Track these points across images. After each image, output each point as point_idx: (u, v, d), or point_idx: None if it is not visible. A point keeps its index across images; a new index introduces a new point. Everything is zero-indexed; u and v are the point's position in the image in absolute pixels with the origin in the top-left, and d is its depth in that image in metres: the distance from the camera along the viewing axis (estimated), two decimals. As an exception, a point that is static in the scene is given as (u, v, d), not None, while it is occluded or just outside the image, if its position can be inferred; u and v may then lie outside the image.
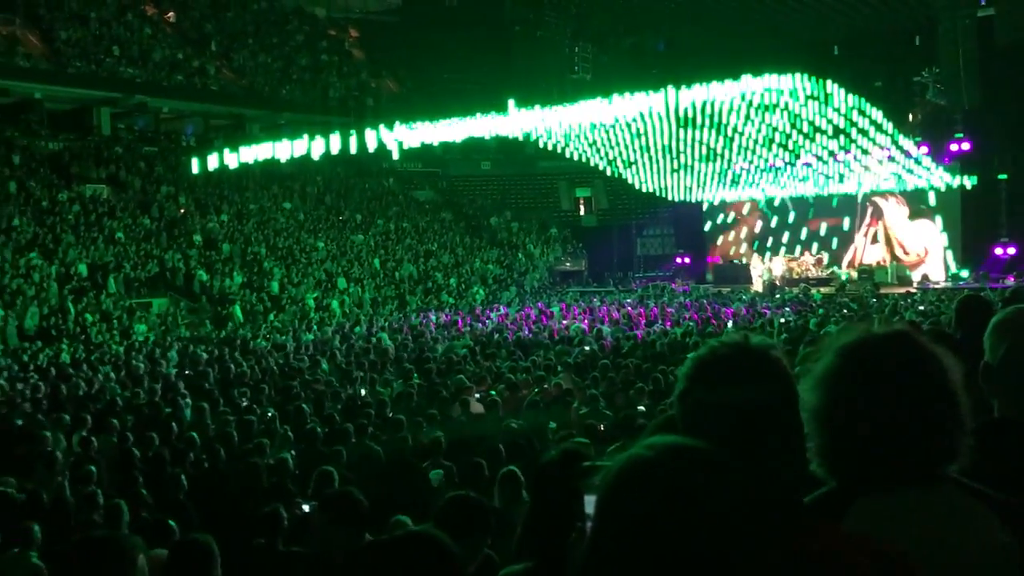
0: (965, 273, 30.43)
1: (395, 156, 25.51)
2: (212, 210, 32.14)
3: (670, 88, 21.57)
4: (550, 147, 29.34)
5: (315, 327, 23.69)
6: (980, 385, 2.09)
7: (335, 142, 24.54)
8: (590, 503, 1.49)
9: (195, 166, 25.53)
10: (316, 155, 24.97)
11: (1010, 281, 24.11)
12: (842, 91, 24.91)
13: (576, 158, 31.17)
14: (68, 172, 30.51)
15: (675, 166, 30.89)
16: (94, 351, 19.33)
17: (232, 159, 25.12)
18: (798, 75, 22.95)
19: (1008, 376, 2.06)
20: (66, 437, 9.43)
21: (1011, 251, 29.21)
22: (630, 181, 33.36)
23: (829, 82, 24.17)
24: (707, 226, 38.76)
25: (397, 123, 24.09)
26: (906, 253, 33.16)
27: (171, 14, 39.92)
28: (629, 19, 40.68)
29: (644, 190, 33.90)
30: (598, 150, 30.02)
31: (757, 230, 37.12)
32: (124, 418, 10.03)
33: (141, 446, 8.26)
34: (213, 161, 24.41)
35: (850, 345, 1.63)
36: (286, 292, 28.09)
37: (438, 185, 43.95)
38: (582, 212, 43.79)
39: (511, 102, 23.22)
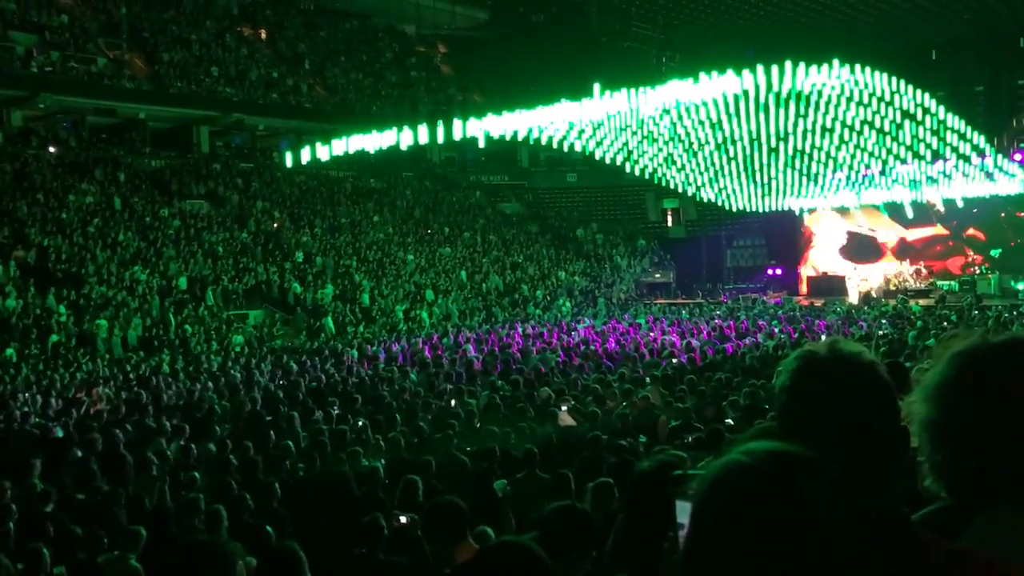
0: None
1: (481, 144, 25.46)
2: (306, 224, 32.98)
3: (759, 69, 21.27)
4: (630, 168, 29.21)
5: (404, 338, 24.01)
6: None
7: (423, 133, 24.71)
8: (681, 512, 1.46)
9: (288, 159, 26.15)
10: (404, 145, 25.10)
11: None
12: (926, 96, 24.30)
13: (659, 180, 31.05)
14: (169, 188, 31.75)
15: (761, 179, 30.32)
16: (192, 362, 19.99)
17: (324, 152, 25.49)
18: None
19: None
20: (167, 444, 9.76)
21: None
22: (716, 201, 33.02)
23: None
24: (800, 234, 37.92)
25: (488, 115, 24.22)
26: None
27: (265, 34, 41.23)
28: (717, 27, 40.21)
29: (732, 208, 33.40)
30: (681, 168, 29.96)
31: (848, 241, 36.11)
32: (222, 426, 10.32)
33: (238, 454, 8.48)
34: (305, 155, 24.90)
35: (965, 353, 1.53)
36: (376, 304, 28.58)
37: (524, 197, 44.17)
38: (670, 223, 43.34)
39: (596, 85, 23.08)
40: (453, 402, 12.03)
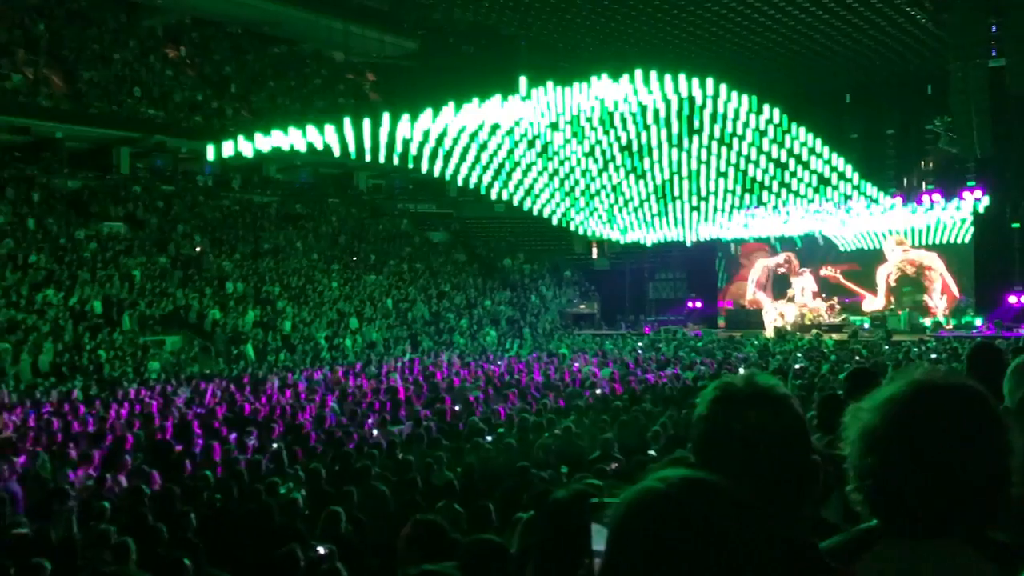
0: (978, 321, 30.27)
1: (414, 142, 25.37)
2: (227, 249, 32.39)
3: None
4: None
5: (327, 367, 23.71)
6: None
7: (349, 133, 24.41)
8: (597, 539, 1.50)
9: (210, 152, 25.50)
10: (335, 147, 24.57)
11: (1022, 331, 23.94)
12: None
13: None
14: (87, 210, 30.86)
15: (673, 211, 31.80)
16: (107, 388, 19.38)
17: (247, 147, 24.81)
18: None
19: None
20: (75, 474, 9.44)
21: (1024, 300, 29.08)
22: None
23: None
24: (719, 270, 38.89)
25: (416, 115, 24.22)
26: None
27: (191, 57, 40.57)
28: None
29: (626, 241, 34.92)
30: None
31: (768, 275, 37.16)
32: (135, 455, 10.04)
33: (151, 484, 8.26)
34: (228, 148, 24.27)
35: (910, 390, 1.58)
36: (298, 331, 28.18)
37: (452, 226, 44.20)
38: (595, 255, 43.86)
39: (523, 79, 23.40)
40: (376, 432, 11.94)
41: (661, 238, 35.06)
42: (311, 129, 23.26)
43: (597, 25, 32.46)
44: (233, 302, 28.58)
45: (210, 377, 21.37)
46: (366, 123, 23.96)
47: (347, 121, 23.81)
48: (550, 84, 23.12)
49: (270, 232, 35.26)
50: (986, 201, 29.04)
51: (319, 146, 23.85)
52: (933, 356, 19.56)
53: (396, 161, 26.24)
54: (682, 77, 23.47)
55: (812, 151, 28.29)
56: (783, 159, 28.15)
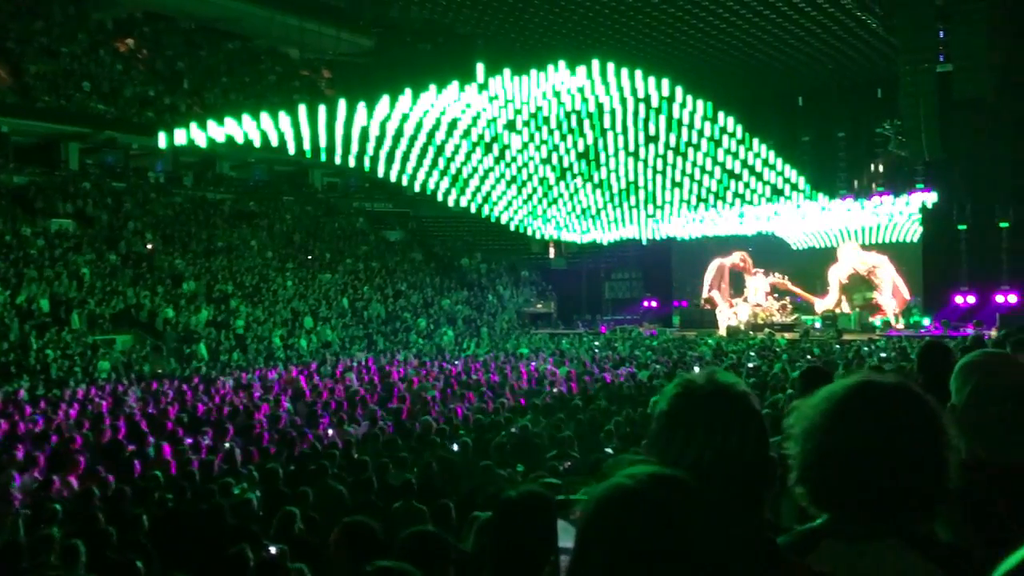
0: (926, 321, 30.92)
1: (370, 139, 25.13)
2: (179, 247, 31.90)
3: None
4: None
5: (281, 366, 23.48)
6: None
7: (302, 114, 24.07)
8: (563, 536, 1.50)
9: (162, 140, 25.00)
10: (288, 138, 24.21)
11: (969, 330, 24.49)
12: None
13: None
14: (33, 206, 30.17)
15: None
16: (54, 388, 18.98)
17: (200, 136, 24.28)
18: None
19: (973, 416, 2.13)
20: (25, 476, 9.23)
21: (971, 300, 29.72)
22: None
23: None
24: (675, 269, 39.29)
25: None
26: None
27: (144, 51, 39.86)
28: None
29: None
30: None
31: (725, 274, 37.59)
32: (85, 456, 9.84)
33: (102, 485, 8.10)
34: (180, 137, 23.78)
35: (850, 389, 1.65)
36: (252, 330, 27.85)
37: (408, 225, 44.01)
38: (552, 255, 43.99)
39: (480, 66, 23.37)
40: (331, 432, 11.85)
41: (618, 237, 35.36)
42: (266, 118, 22.89)
43: (554, 25, 32.54)
44: (185, 301, 28.16)
45: (162, 377, 21.05)
46: (321, 114, 23.69)
47: (303, 111, 23.45)
48: (507, 72, 23.10)
49: (223, 230, 34.80)
50: (934, 197, 29.78)
51: (274, 138, 23.51)
52: (883, 355, 19.91)
53: (352, 163, 26.05)
54: (639, 74, 23.62)
55: (766, 163, 28.78)
56: (737, 169, 28.61)
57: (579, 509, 1.26)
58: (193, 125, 23.20)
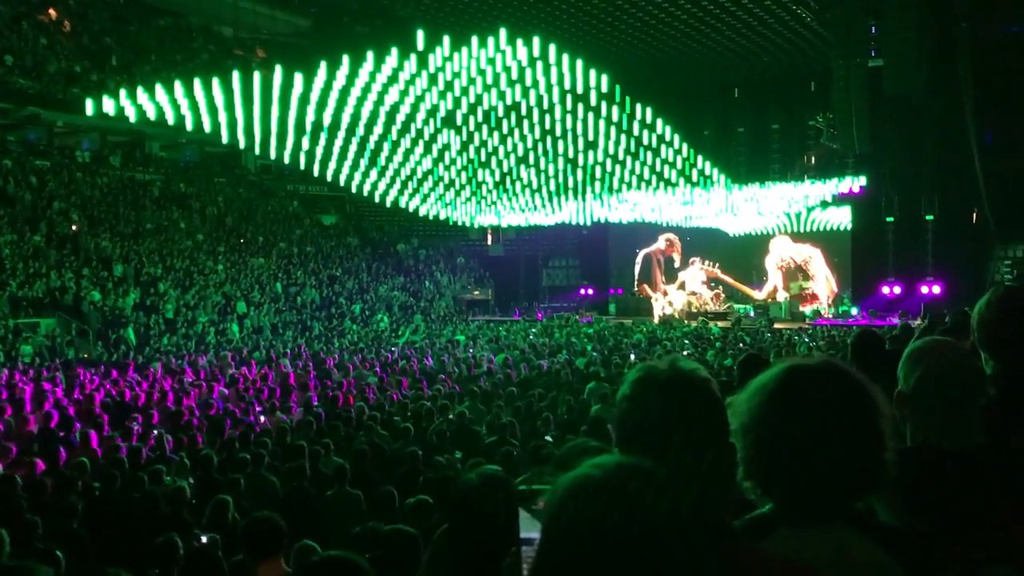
0: (854, 310, 31.76)
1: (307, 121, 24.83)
2: (106, 228, 31.01)
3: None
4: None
5: (212, 351, 23.03)
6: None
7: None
8: (524, 527, 1.47)
9: (89, 107, 24.32)
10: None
11: (895, 320, 25.19)
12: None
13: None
14: (-49, 184, 29.06)
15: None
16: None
17: (130, 108, 23.56)
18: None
19: (921, 401, 2.17)
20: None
21: (896, 290, 30.60)
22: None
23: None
24: (612, 256, 39.59)
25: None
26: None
27: (68, 25, 38.53)
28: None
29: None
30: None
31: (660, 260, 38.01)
32: (7, 444, 9.50)
33: (35, 472, 7.83)
34: (109, 106, 23.13)
35: (778, 377, 1.68)
36: (182, 315, 27.26)
37: (344, 209, 43.49)
38: (489, 241, 43.97)
39: (420, 33, 23.28)
40: (264, 418, 11.67)
41: (556, 220, 35.45)
42: (199, 92, 22.39)
43: (494, 10, 32.39)
44: (112, 284, 27.41)
45: (88, 362, 20.47)
46: (256, 89, 23.27)
47: (236, 80, 23.00)
48: (447, 40, 23.06)
49: (152, 211, 33.95)
50: (863, 180, 30.66)
51: (207, 123, 23.02)
52: (811, 344, 20.38)
53: (287, 159, 25.75)
54: (579, 64, 23.67)
55: (690, 163, 29.34)
56: (666, 174, 29.25)
57: (543, 500, 1.23)
58: (122, 93, 22.50)
